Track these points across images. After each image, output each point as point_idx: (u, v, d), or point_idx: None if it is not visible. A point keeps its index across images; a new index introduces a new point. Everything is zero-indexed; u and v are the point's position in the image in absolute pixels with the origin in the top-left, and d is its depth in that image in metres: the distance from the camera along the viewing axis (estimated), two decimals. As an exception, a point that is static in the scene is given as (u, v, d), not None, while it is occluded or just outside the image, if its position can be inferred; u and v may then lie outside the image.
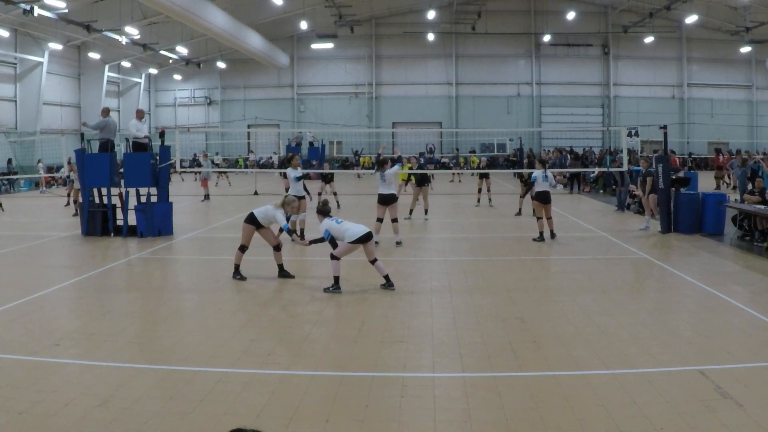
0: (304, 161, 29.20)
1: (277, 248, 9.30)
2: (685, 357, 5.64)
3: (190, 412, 4.58)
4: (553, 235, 12.43)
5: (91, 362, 5.64)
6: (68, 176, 19.19)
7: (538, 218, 12.49)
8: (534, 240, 12.28)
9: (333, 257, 8.30)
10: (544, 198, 12.38)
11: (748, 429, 4.22)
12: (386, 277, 8.35)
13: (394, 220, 11.95)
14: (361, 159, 38.28)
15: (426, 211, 15.78)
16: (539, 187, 12.48)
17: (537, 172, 12.69)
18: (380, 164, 11.92)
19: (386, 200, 11.78)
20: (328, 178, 18.40)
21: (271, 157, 40.62)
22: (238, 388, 5.02)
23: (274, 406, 4.70)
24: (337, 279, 8.28)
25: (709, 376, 5.10)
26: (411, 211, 15.90)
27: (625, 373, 5.23)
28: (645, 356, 5.65)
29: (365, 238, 8.20)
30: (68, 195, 20.26)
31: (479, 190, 19.01)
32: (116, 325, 6.94)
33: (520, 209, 16.55)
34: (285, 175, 18.97)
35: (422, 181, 15.88)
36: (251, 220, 9.16)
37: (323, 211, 8.60)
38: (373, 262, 8.39)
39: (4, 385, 5.08)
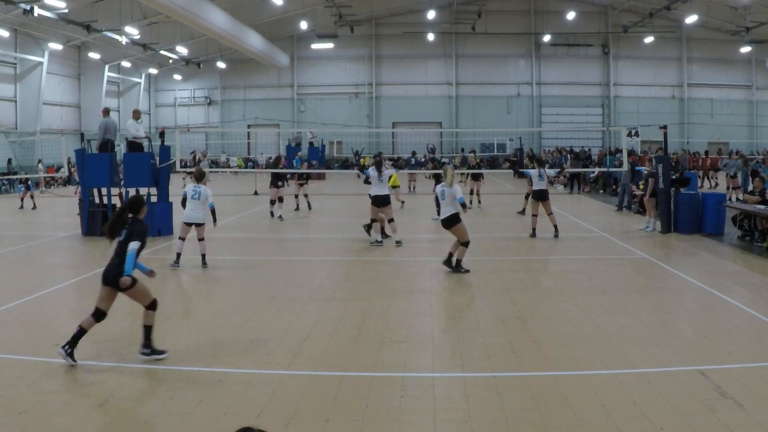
0: (304, 161, 29.22)
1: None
2: (685, 357, 5.64)
3: (190, 412, 4.58)
4: (556, 234, 12.54)
5: (91, 362, 5.64)
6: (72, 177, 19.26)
7: (533, 215, 12.87)
8: (530, 236, 12.65)
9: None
10: (538, 196, 12.79)
11: (748, 429, 4.21)
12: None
13: (391, 220, 11.96)
14: (362, 159, 38.27)
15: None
16: (535, 185, 12.89)
17: (533, 171, 13.11)
18: (378, 165, 12.05)
19: (380, 201, 11.83)
20: (304, 178, 18.21)
21: (270, 158, 40.64)
22: (238, 388, 5.01)
23: (274, 406, 4.70)
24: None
25: (709, 376, 5.10)
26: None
27: (625, 373, 5.23)
28: (645, 356, 5.65)
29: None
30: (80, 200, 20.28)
31: (471, 192, 18.73)
32: (116, 325, 6.94)
33: (524, 209, 16.50)
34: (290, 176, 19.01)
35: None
36: None
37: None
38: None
39: (4, 385, 5.08)
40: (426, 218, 15.89)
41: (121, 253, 5.65)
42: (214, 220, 9.99)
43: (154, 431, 4.30)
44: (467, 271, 9.31)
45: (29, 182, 21.92)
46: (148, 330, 5.72)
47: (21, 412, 4.54)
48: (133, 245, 5.59)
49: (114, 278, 5.62)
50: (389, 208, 11.96)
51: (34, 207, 19.91)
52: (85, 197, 13.78)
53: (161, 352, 5.71)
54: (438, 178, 16.32)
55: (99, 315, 5.68)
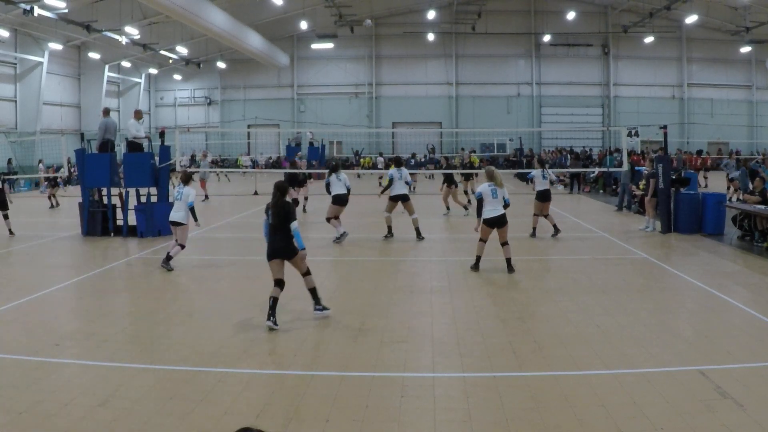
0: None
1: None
2: (685, 357, 5.64)
3: (190, 412, 4.58)
4: (556, 232, 12.57)
5: (91, 362, 5.64)
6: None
7: (535, 215, 12.79)
8: (529, 236, 12.56)
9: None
10: (544, 196, 12.72)
11: (748, 429, 4.21)
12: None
13: (330, 219, 12.34)
14: (362, 160, 38.32)
15: (466, 207, 16.73)
16: (540, 186, 12.80)
17: (536, 172, 13.04)
18: (334, 168, 12.53)
19: (340, 201, 12.29)
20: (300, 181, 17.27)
21: (270, 158, 40.68)
22: (238, 388, 5.01)
23: (274, 406, 4.70)
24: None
25: (709, 376, 5.10)
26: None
27: (625, 373, 5.23)
28: (645, 356, 5.65)
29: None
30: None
31: (464, 192, 18.27)
32: (116, 325, 6.94)
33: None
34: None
35: (450, 180, 16.91)
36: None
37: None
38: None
39: (4, 385, 5.08)
40: (427, 218, 15.88)
41: (284, 230, 6.80)
42: (195, 219, 10.13)
43: (154, 431, 4.30)
44: (513, 270, 9.32)
45: (58, 179, 22.06)
46: (314, 291, 7.08)
47: (21, 412, 4.54)
48: (296, 224, 6.81)
49: (286, 251, 6.86)
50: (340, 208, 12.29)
51: (52, 206, 20.08)
52: (85, 197, 13.79)
53: (327, 308, 7.06)
54: (448, 178, 16.76)
55: (281, 283, 6.87)
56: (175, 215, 10.06)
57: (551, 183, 13.03)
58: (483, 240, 9.48)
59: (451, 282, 8.88)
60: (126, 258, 11.23)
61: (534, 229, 12.75)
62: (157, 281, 9.60)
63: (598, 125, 40.84)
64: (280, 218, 6.77)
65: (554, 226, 12.70)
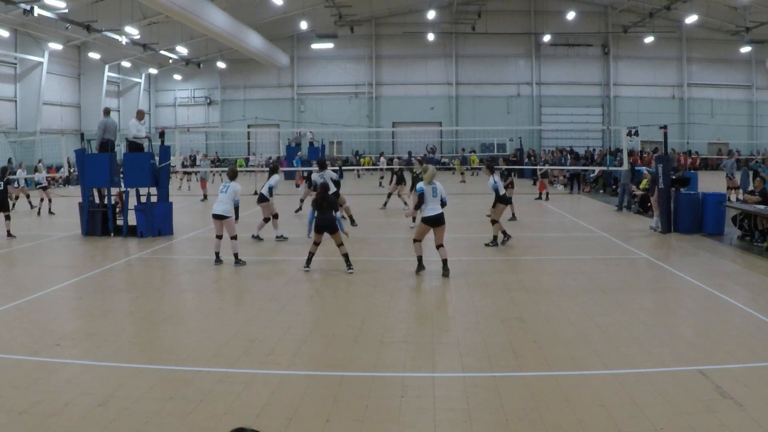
0: (305, 161, 29.30)
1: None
2: (685, 357, 5.64)
3: (190, 412, 4.58)
4: (494, 241, 11.88)
5: (91, 362, 5.64)
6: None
7: (495, 221, 11.92)
8: (489, 244, 11.82)
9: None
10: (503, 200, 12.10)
11: (748, 429, 4.22)
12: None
13: (275, 216, 12.99)
14: (362, 159, 38.35)
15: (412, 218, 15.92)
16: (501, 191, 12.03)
17: (496, 180, 12.04)
18: (274, 171, 13.35)
19: (260, 200, 12.98)
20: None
21: (270, 158, 40.67)
22: (238, 388, 5.02)
23: (274, 406, 4.70)
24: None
25: (709, 376, 5.10)
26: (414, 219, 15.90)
27: (625, 373, 5.23)
28: (645, 356, 5.65)
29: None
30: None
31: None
32: (116, 325, 6.95)
33: (513, 213, 15.52)
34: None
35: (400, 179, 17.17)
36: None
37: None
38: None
39: (4, 385, 5.08)
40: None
41: (331, 211, 9.61)
42: (237, 216, 10.49)
43: (154, 431, 4.30)
44: (448, 273, 9.05)
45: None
46: (347, 255, 9.48)
47: (21, 412, 4.54)
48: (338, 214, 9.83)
49: (333, 226, 9.49)
50: (265, 207, 12.80)
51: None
52: (85, 197, 13.79)
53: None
54: (398, 176, 16.90)
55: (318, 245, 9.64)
56: (218, 208, 10.31)
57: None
58: (418, 240, 9.34)
59: (451, 282, 8.88)
60: (126, 258, 11.23)
61: (495, 237, 11.81)
62: (157, 281, 9.61)
63: (598, 125, 40.83)
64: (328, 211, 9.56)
65: (501, 233, 11.90)
